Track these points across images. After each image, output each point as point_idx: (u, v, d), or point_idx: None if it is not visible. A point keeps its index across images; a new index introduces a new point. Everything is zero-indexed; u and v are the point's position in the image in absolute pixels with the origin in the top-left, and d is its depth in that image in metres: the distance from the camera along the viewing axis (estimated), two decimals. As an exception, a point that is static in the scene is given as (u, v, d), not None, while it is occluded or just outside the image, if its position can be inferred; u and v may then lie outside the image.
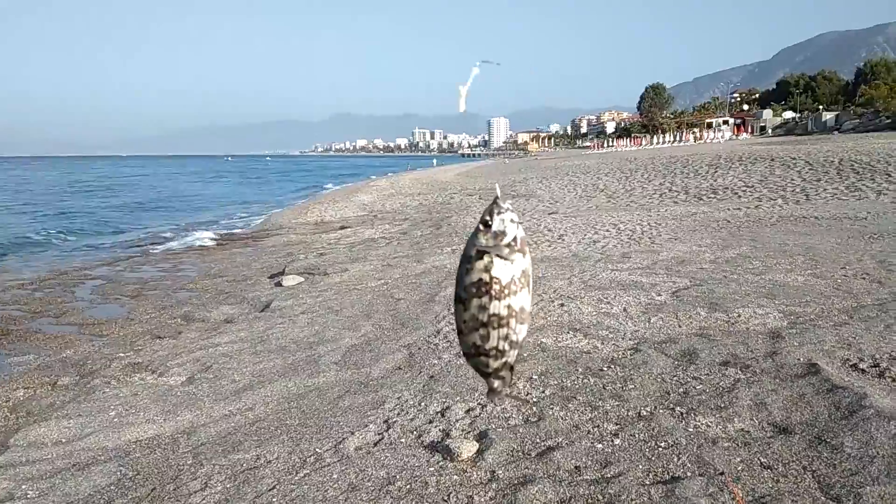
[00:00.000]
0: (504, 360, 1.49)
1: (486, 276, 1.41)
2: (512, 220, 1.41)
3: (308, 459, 4.25)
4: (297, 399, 5.44)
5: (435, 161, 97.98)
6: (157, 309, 9.71)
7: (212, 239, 18.77)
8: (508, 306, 1.42)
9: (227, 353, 6.91)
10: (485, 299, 1.42)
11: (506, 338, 1.46)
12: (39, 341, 8.19)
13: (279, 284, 10.74)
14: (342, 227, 18.59)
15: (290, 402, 5.37)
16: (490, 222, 1.41)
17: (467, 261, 1.44)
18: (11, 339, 8.29)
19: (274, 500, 3.77)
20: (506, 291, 1.41)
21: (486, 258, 1.41)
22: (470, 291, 1.43)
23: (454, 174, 45.43)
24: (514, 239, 1.41)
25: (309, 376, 5.95)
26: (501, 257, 1.40)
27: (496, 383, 1.54)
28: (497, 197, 1.43)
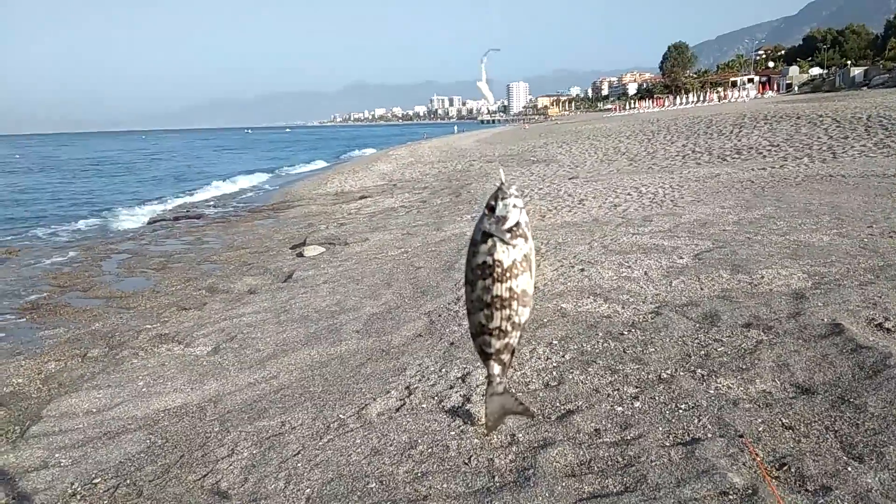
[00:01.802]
0: (506, 340, 1.53)
1: (489, 259, 1.45)
2: (515, 206, 1.45)
3: (332, 425, 4.33)
4: (320, 367, 5.52)
5: (456, 128, 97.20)
6: (182, 281, 9.86)
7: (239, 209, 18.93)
8: (510, 289, 1.47)
9: (251, 324, 7.01)
10: (488, 281, 1.47)
11: (508, 318, 1.50)
12: (69, 315, 8.38)
13: (301, 255, 10.82)
14: (362, 197, 18.61)
15: (314, 370, 5.45)
16: (495, 206, 1.46)
17: (474, 244, 1.49)
18: (42, 314, 8.49)
19: (299, 465, 3.85)
20: (507, 274, 1.46)
21: (489, 242, 1.45)
22: (475, 273, 1.48)
23: (473, 141, 45.11)
24: (517, 224, 1.44)
25: (331, 344, 6.02)
26: (503, 241, 1.44)
27: (496, 368, 1.58)
28: (502, 182, 1.47)
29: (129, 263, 11.87)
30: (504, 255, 1.45)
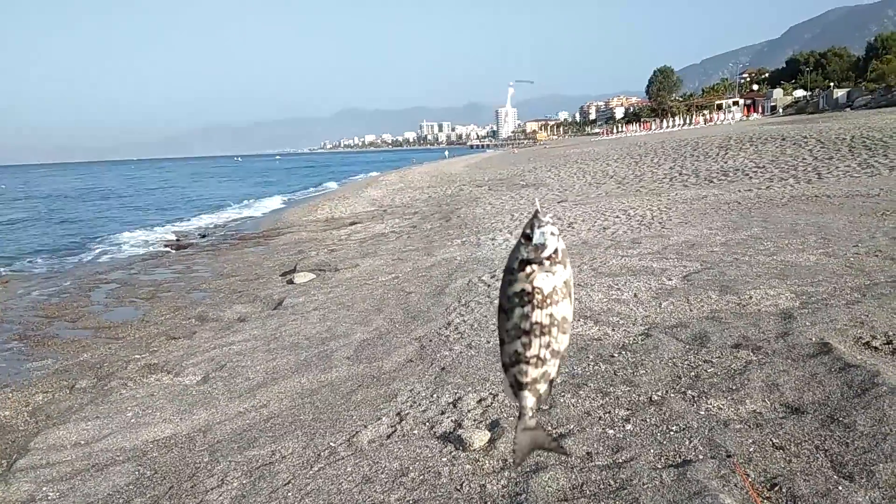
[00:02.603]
0: (544, 368, 1.51)
1: (528, 287, 1.46)
2: (552, 234, 1.46)
3: (322, 453, 4.30)
4: (311, 394, 5.49)
5: (447, 153, 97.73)
6: (171, 310, 9.81)
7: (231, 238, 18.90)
8: (550, 315, 1.47)
9: (241, 352, 6.97)
10: (527, 308, 1.47)
11: (547, 346, 1.49)
12: (57, 345, 8.31)
13: (291, 282, 10.80)
14: (352, 223, 18.64)
15: (304, 398, 5.42)
16: (531, 235, 1.46)
17: (510, 272, 1.48)
18: (29, 345, 8.41)
19: (289, 494, 3.81)
20: (548, 301, 1.46)
21: (527, 269, 1.46)
22: (513, 301, 1.48)
23: (463, 166, 45.38)
24: (555, 251, 1.45)
25: (322, 371, 6.00)
26: (543, 269, 1.45)
27: (530, 400, 1.56)
28: (537, 210, 1.48)
29: (118, 293, 11.80)
30: (544, 281, 1.46)
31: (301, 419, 4.97)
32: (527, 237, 1.47)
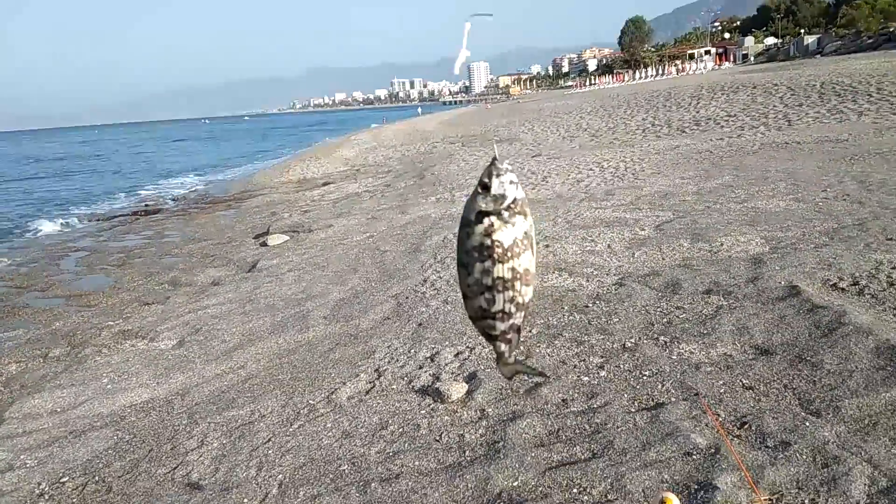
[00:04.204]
0: (511, 321, 1.47)
1: (487, 241, 1.39)
2: (511, 182, 1.38)
3: (301, 411, 4.32)
4: (288, 354, 5.49)
5: (419, 109, 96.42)
6: (143, 276, 9.68)
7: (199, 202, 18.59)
8: (512, 269, 1.41)
9: (216, 315, 6.92)
10: (488, 263, 1.40)
11: (512, 300, 1.44)
12: (28, 315, 8.17)
13: (264, 244, 10.70)
14: (325, 184, 18.43)
15: (282, 358, 5.42)
16: (489, 184, 1.38)
17: (467, 225, 1.41)
18: (0, 316, 8.27)
19: (270, 451, 3.84)
20: (509, 254, 1.39)
21: (486, 221, 1.38)
22: (472, 256, 1.41)
23: (436, 123, 44.92)
24: (514, 201, 1.38)
25: (298, 332, 5.99)
26: (502, 220, 1.38)
27: (503, 346, 1.54)
28: (495, 157, 1.39)
29: (88, 261, 11.60)
30: (504, 234, 1.38)
31: (279, 379, 4.97)
32: (484, 186, 1.39)
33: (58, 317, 7.93)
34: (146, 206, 19.52)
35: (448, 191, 13.16)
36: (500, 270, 1.40)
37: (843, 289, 4.84)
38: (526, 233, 1.41)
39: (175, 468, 3.83)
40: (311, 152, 33.74)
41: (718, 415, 3.41)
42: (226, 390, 4.92)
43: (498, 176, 1.38)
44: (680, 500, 1.65)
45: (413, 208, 11.77)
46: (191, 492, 3.54)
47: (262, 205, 16.08)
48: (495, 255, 1.39)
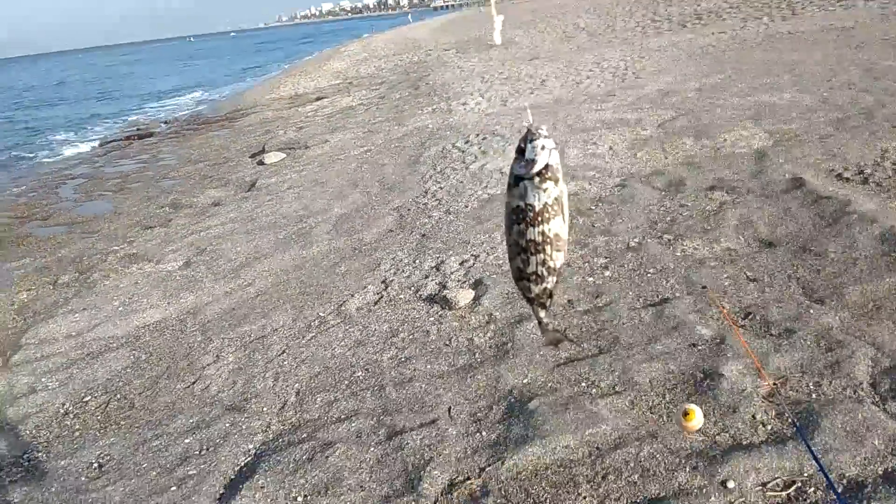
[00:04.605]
0: (543, 285, 1.55)
1: (521, 203, 1.44)
2: (543, 147, 1.40)
3: (313, 324, 4.39)
4: (295, 270, 5.53)
5: (410, 17, 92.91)
6: (143, 200, 9.63)
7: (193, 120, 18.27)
8: (542, 233, 1.45)
9: (220, 235, 6.94)
10: (521, 226, 1.46)
11: (543, 263, 1.51)
12: (32, 245, 8.20)
13: (261, 163, 10.58)
14: (318, 99, 18.02)
15: (289, 274, 5.47)
16: (524, 149, 1.41)
17: (509, 188, 1.47)
18: (5, 246, 8.29)
19: (285, 362, 3.93)
20: (539, 219, 1.44)
21: (520, 185, 1.43)
22: (510, 218, 1.48)
23: (428, 30, 43.42)
24: (546, 167, 1.40)
25: (302, 248, 6.01)
26: (533, 185, 1.41)
27: (542, 313, 1.65)
28: (530, 123, 1.41)
29: (86, 188, 11.52)
30: (535, 198, 1.43)
31: (287, 294, 5.03)
32: (520, 151, 1.42)
33: (62, 244, 7.95)
34: (138, 130, 19.19)
35: (444, 100, 12.87)
36: (532, 233, 1.46)
37: (847, 178, 4.80)
38: (557, 199, 1.44)
39: (194, 383, 3.94)
40: (301, 67, 32.82)
41: (724, 306, 3.46)
42: (236, 307, 4.99)
43: (532, 141, 1.40)
44: (701, 410, 1.73)
45: (409, 120, 11.56)
46: (211, 404, 3.65)
47: (256, 123, 15.79)
48: (527, 219, 1.45)
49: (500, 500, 2.50)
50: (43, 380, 4.42)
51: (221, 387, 3.83)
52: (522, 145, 1.43)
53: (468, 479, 2.65)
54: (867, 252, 3.70)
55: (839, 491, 2.20)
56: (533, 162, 1.40)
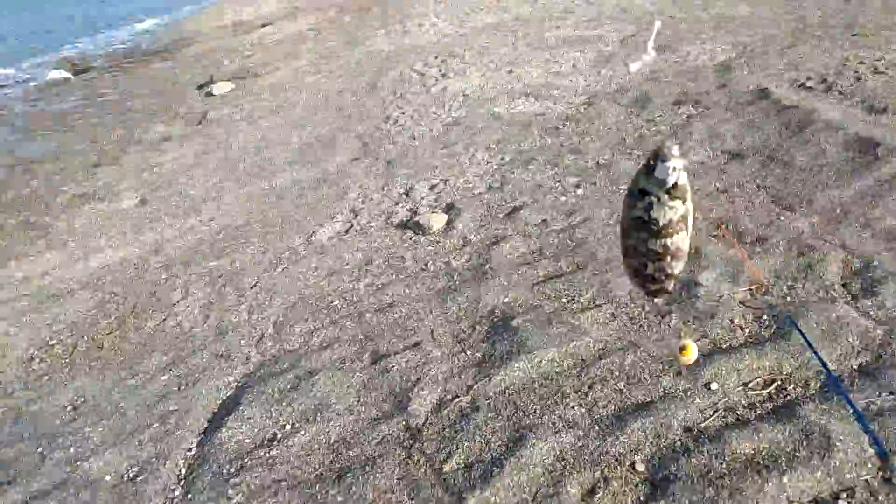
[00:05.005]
0: (659, 286, 1.57)
1: (644, 216, 1.43)
2: (675, 168, 1.38)
3: (283, 255, 4.30)
4: (259, 202, 5.38)
5: None
6: (87, 139, 9.16)
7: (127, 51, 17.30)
8: (665, 245, 1.46)
9: (175, 170, 6.67)
10: (643, 234, 1.46)
11: (661, 269, 1.52)
12: (-28, 189, 7.77)
13: (210, 94, 10.12)
14: (263, 25, 17.21)
15: (252, 206, 5.31)
16: (654, 167, 1.40)
17: (631, 195, 1.46)
18: (-59, 192, 7.84)
19: (258, 295, 3.86)
20: (662, 233, 1.44)
21: (646, 199, 1.42)
22: (630, 224, 1.48)
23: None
24: (675, 186, 1.40)
25: (265, 179, 5.84)
26: (661, 203, 1.41)
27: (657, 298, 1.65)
28: (665, 142, 1.40)
29: (24, 128, 10.90)
30: (661, 214, 1.42)
31: (253, 227, 4.90)
32: (649, 168, 1.41)
33: (6, 186, 7.54)
34: (73, 65, 18.12)
35: (398, 22, 12.44)
36: (654, 244, 1.47)
37: (811, 87, 4.83)
38: (683, 216, 1.44)
39: (164, 320, 3.84)
40: (242, -7, 31.17)
41: (696, 218, 3.49)
42: (200, 243, 4.85)
43: (664, 161, 1.39)
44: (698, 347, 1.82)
45: (363, 43, 11.16)
46: (186, 339, 3.58)
47: (200, 53, 15.04)
48: (650, 231, 1.45)
49: (490, 415, 2.53)
50: (2, 325, 4.25)
51: (194, 322, 3.75)
52: (652, 162, 1.41)
53: (457, 396, 2.67)
54: (833, 159, 3.76)
55: (830, 380, 2.28)
56: (663, 182, 1.40)
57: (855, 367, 2.37)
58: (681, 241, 1.48)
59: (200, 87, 10.99)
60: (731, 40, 6.32)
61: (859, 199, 3.34)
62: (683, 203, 1.44)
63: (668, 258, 1.50)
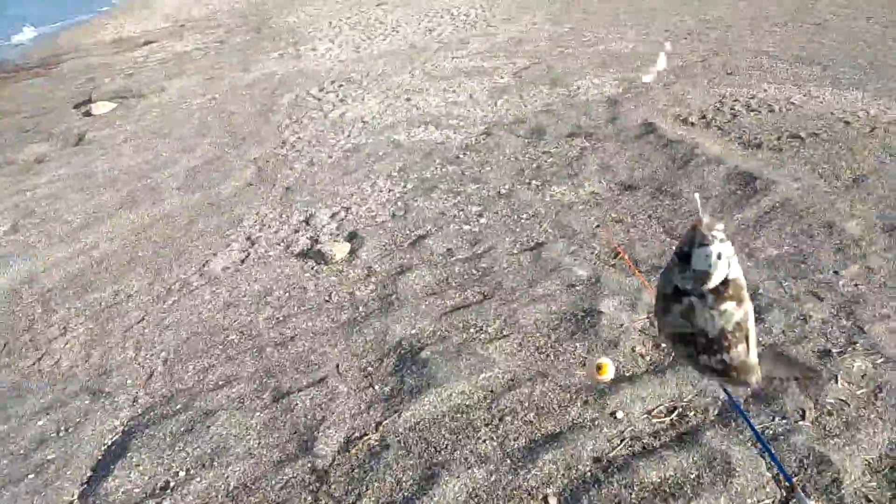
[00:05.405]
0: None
1: (685, 327, 1.06)
2: (721, 255, 1.01)
3: (173, 287, 4.05)
4: (145, 230, 5.05)
5: None
6: (-56, 158, 8.32)
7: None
8: (722, 362, 1.09)
9: (51, 194, 6.17)
10: (690, 349, 1.11)
11: (729, 382, 1.21)
12: None
13: (88, 114, 9.49)
14: (147, 43, 16.42)
15: (138, 234, 4.98)
16: (690, 254, 1.02)
17: (664, 299, 1.09)
18: None
19: (146, 330, 3.60)
20: (716, 347, 1.07)
21: (684, 302, 1.04)
22: (671, 337, 1.13)
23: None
24: (725, 282, 1.02)
25: (152, 205, 5.50)
26: (706, 306, 1.03)
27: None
28: (700, 218, 1.02)
29: None
30: (708, 323, 1.06)
31: (140, 256, 4.59)
32: (683, 257, 1.05)
33: None
34: (-73, 76, 16.47)
35: (291, 45, 12.23)
36: (707, 360, 1.10)
37: (692, 123, 5.17)
38: (739, 323, 1.05)
39: (40, 359, 3.50)
40: (122, 7, 29.71)
41: (594, 248, 3.62)
42: (80, 273, 4.48)
43: (703, 245, 1.00)
44: (613, 364, 1.77)
45: (255, 66, 10.87)
46: (66, 380, 3.27)
47: (78, 70, 14.10)
48: (697, 346, 1.08)
49: (401, 452, 2.47)
50: None
51: (74, 361, 3.44)
52: (687, 249, 1.05)
53: (365, 434, 2.59)
54: (716, 191, 4.02)
55: (736, 407, 2.39)
56: (706, 275, 1.02)
57: (748, 393, 2.51)
58: (742, 353, 1.09)
59: (77, 106, 10.28)
60: (618, 76, 6.67)
61: (742, 229, 3.58)
62: (739, 305, 1.05)
63: (734, 374, 1.13)
